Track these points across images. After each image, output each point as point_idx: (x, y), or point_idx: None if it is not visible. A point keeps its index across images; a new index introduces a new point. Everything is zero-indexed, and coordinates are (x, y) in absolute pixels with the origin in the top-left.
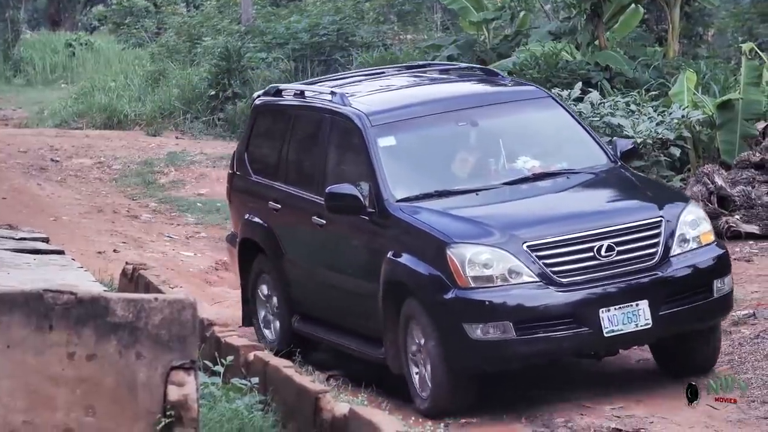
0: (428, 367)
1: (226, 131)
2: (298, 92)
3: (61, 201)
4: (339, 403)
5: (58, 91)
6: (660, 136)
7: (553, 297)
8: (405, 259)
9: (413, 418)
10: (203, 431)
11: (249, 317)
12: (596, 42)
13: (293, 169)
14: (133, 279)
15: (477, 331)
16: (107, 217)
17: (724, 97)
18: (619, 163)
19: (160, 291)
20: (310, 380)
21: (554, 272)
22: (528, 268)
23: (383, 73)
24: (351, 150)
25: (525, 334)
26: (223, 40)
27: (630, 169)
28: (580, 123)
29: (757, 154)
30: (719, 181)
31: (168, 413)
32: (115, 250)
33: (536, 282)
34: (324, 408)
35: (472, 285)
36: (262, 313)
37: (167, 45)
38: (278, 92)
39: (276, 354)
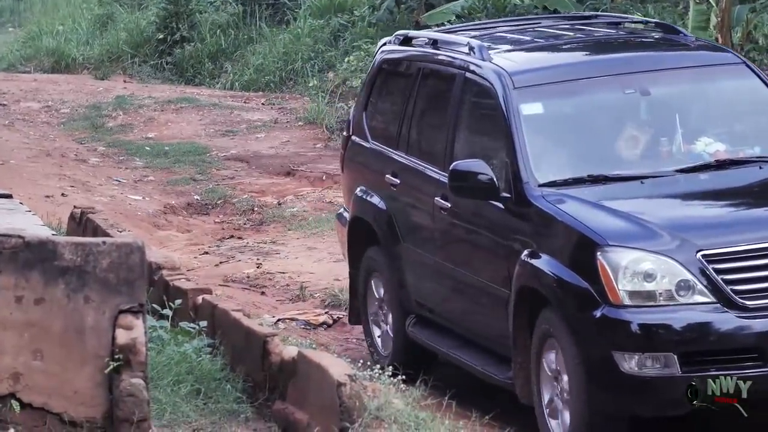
0: (565, 404)
1: (174, 75)
2: (431, 41)
3: (9, 145)
4: (287, 346)
5: (5, 35)
6: None
7: (734, 324)
8: (543, 261)
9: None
10: (151, 375)
11: (357, 313)
12: None
13: (416, 137)
14: (82, 223)
15: (631, 363)
16: (55, 161)
17: None
18: None
19: (108, 235)
20: (258, 323)
21: (736, 292)
22: (702, 284)
23: (538, 23)
24: (486, 117)
25: (693, 370)
26: None
27: None
28: None
29: None
30: None
31: (116, 357)
32: (63, 194)
33: (712, 303)
34: (272, 351)
35: (628, 302)
36: (373, 315)
37: None
38: (407, 40)
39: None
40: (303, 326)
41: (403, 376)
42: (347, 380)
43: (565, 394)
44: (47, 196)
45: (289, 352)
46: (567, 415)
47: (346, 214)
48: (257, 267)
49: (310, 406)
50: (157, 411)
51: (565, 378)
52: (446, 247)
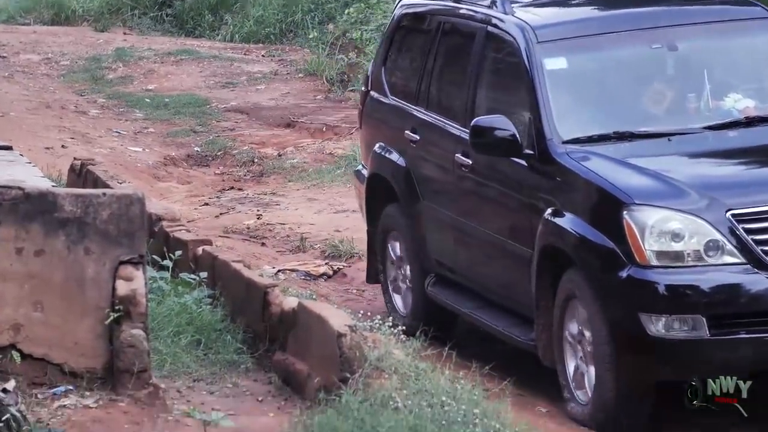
0: (590, 367)
1: (174, 27)
2: None
3: (9, 97)
4: (288, 297)
5: None
6: None
7: (764, 285)
8: (567, 220)
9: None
10: (152, 326)
11: (375, 273)
12: None
13: (436, 93)
14: (82, 174)
15: (658, 326)
16: (55, 113)
17: None
18: None
19: (108, 186)
20: (258, 274)
21: (767, 252)
22: (731, 244)
23: None
24: (509, 72)
25: (722, 333)
26: None
27: None
28: None
29: None
30: None
31: (116, 308)
32: (63, 146)
33: (741, 264)
34: (273, 302)
35: (655, 263)
36: (392, 274)
37: None
38: None
39: (408, 334)
40: (303, 277)
41: (403, 328)
42: (347, 331)
43: (589, 358)
44: (47, 148)
45: (290, 303)
46: (591, 380)
47: (364, 171)
48: (257, 218)
49: (311, 357)
50: (157, 362)
51: (590, 341)
52: (467, 205)
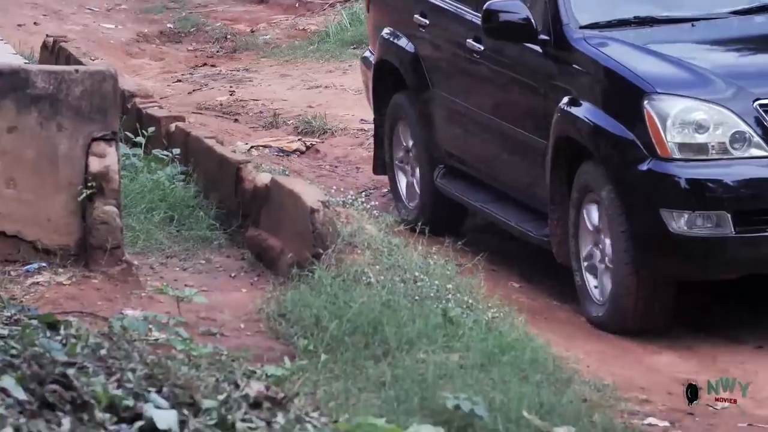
0: (606, 266)
1: None
2: None
3: None
4: (261, 173)
5: None
6: None
7: None
8: (584, 109)
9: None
10: (125, 202)
11: (381, 164)
12: None
13: None
14: (54, 51)
15: (680, 222)
16: None
17: None
18: None
19: (81, 63)
20: (231, 150)
21: None
22: (759, 136)
23: None
24: None
25: (748, 231)
26: None
27: None
28: None
29: None
30: None
31: (89, 185)
32: (35, 23)
33: None
34: (245, 178)
35: (677, 155)
36: (399, 163)
37: None
38: None
39: (414, 229)
40: (276, 153)
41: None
42: (320, 206)
43: (606, 256)
44: (19, 25)
45: (262, 178)
46: (608, 279)
47: (372, 57)
48: (230, 94)
49: (284, 233)
50: (130, 238)
51: (607, 238)
52: (479, 94)
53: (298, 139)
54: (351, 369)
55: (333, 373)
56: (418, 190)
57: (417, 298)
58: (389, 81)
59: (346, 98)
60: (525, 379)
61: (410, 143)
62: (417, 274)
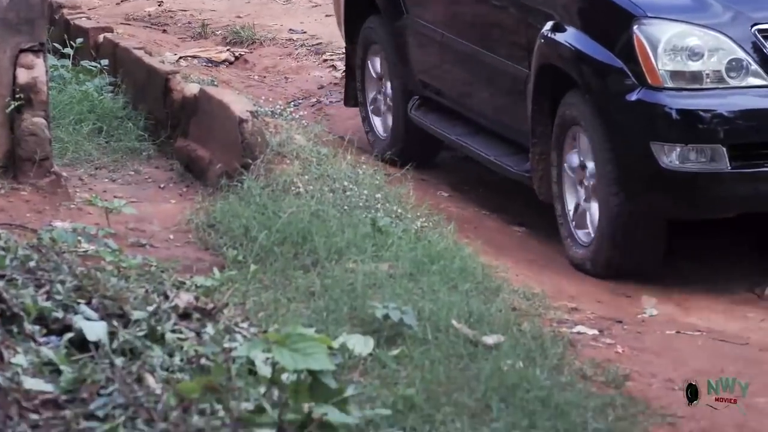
0: (593, 204)
1: None
2: None
3: None
4: (189, 83)
5: None
6: None
7: None
8: (569, 35)
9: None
10: (53, 114)
11: (353, 95)
12: None
13: None
14: None
15: (671, 156)
16: None
17: None
18: None
19: None
20: (159, 61)
21: None
22: (757, 63)
23: None
24: None
25: (745, 166)
26: None
27: None
28: None
29: None
30: None
31: (17, 96)
32: None
33: None
34: (174, 89)
35: (669, 84)
36: (371, 94)
37: None
38: None
39: (385, 160)
40: (205, 64)
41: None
42: (249, 117)
43: (592, 193)
44: None
45: (191, 89)
46: (595, 219)
47: None
48: (158, 5)
49: (213, 143)
50: (59, 150)
51: (593, 174)
52: (456, 19)
53: (227, 50)
54: (280, 279)
55: (262, 283)
56: (390, 123)
57: (346, 207)
58: (361, 5)
59: (274, 8)
60: (454, 288)
61: (383, 72)
62: (346, 183)
